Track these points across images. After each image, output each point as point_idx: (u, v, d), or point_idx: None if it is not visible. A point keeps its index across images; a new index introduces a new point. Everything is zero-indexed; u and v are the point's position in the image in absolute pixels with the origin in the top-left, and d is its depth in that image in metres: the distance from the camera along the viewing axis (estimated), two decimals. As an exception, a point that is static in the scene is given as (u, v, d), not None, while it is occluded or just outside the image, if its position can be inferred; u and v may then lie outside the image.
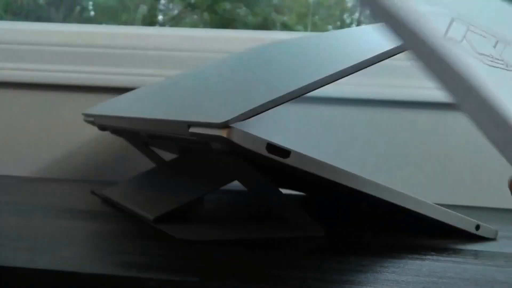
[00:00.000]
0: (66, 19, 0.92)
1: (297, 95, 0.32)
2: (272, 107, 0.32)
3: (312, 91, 0.33)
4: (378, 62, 0.34)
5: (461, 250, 0.38)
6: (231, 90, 0.44)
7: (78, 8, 0.95)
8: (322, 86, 0.33)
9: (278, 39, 0.70)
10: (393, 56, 0.34)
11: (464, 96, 0.19)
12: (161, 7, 0.97)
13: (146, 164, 0.60)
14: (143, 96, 0.60)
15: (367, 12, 0.31)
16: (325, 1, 0.90)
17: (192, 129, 0.34)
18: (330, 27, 0.92)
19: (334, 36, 0.48)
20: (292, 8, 0.89)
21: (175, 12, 0.97)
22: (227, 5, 0.89)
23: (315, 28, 0.88)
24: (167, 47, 0.71)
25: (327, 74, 0.33)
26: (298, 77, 0.35)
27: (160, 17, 0.97)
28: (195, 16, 0.95)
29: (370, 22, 0.91)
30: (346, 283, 0.28)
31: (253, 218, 0.48)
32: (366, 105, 0.68)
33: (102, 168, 0.69)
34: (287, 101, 0.32)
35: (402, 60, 0.65)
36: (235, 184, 0.43)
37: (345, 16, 0.92)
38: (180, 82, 0.59)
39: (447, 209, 0.40)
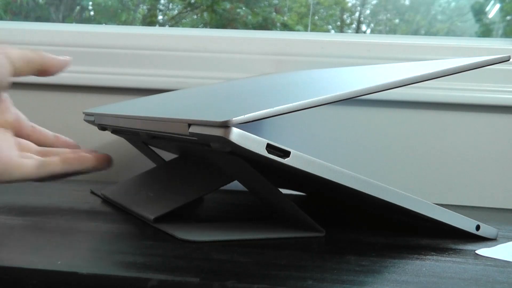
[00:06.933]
0: (66, 19, 0.93)
1: (299, 109, 0.33)
2: (274, 116, 0.32)
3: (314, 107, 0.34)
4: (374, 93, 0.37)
5: (461, 250, 0.38)
6: (236, 97, 0.44)
7: (78, 8, 0.95)
8: (322, 105, 0.34)
9: (278, 38, 0.70)
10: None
11: None
12: (161, 7, 0.97)
13: (146, 164, 0.60)
14: (146, 99, 0.60)
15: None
16: (325, 1, 0.90)
17: (192, 129, 0.34)
18: (330, 27, 0.92)
19: (341, 71, 0.51)
20: (292, 8, 0.90)
21: (175, 12, 0.97)
22: (227, 5, 0.89)
23: (315, 28, 0.88)
24: (166, 47, 0.71)
25: (328, 95, 0.35)
26: (301, 96, 0.36)
27: (160, 17, 0.97)
28: (195, 16, 0.95)
29: (369, 22, 0.91)
30: (346, 283, 0.28)
31: (253, 218, 0.48)
32: (366, 105, 0.68)
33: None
34: (288, 113, 0.33)
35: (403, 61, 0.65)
36: (235, 184, 0.43)
37: (345, 16, 0.92)
38: (184, 92, 0.59)
39: (447, 209, 0.40)
